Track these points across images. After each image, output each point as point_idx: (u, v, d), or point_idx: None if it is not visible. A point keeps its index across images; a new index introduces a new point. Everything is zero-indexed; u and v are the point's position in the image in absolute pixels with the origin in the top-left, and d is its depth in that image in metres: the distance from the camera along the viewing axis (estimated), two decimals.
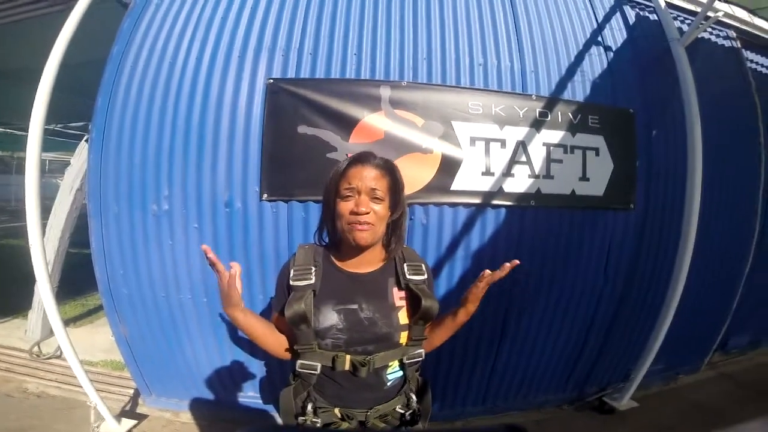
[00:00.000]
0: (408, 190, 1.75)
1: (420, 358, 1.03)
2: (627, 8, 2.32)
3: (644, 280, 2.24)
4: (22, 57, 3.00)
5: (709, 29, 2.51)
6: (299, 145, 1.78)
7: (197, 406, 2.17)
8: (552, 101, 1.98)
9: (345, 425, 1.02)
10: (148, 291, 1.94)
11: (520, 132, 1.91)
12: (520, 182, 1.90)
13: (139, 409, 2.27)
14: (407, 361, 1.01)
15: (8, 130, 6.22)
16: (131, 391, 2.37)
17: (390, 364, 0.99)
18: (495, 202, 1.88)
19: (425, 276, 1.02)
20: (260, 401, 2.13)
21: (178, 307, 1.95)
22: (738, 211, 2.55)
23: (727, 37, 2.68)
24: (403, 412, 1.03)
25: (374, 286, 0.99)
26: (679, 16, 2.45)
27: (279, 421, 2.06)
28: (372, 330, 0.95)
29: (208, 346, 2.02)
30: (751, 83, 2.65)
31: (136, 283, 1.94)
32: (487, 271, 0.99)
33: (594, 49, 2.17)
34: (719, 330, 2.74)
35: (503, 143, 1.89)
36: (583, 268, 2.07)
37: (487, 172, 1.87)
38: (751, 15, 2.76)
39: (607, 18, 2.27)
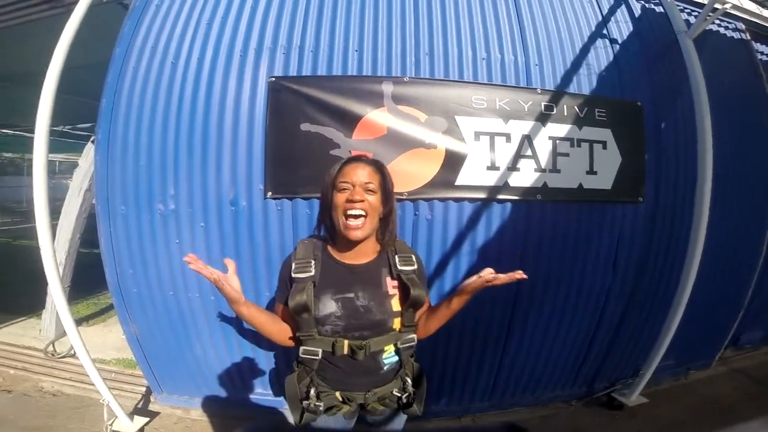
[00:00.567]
0: (412, 186, 1.80)
1: (413, 343, 1.11)
2: (632, 1, 2.28)
3: (654, 274, 2.21)
4: (27, 60, 3.04)
5: (717, 21, 2.46)
6: (302, 142, 1.78)
7: (208, 403, 2.19)
8: (557, 95, 1.95)
9: (346, 408, 1.10)
10: (156, 290, 1.97)
11: (526, 126, 1.89)
12: (525, 176, 1.88)
13: (151, 407, 2.30)
14: (401, 346, 1.09)
15: (17, 133, 6.33)
16: (143, 389, 2.40)
17: (385, 348, 1.08)
18: (500, 196, 1.87)
19: (415, 266, 1.10)
20: (269, 397, 2.14)
21: (186, 305, 1.97)
22: (750, 204, 2.50)
23: (735, 29, 2.63)
24: (399, 395, 1.12)
25: (369, 276, 1.07)
26: (685, 8, 2.41)
27: (289, 416, 2.10)
28: (367, 317, 1.03)
29: (216, 344, 2.04)
30: (761, 75, 2.60)
31: (144, 282, 1.96)
32: (490, 272, 1.03)
33: (599, 42, 2.14)
34: (731, 325, 2.70)
35: (508, 137, 1.87)
36: (592, 262, 2.05)
37: (492, 167, 1.85)
38: (760, 7, 2.70)
39: (612, 10, 2.23)
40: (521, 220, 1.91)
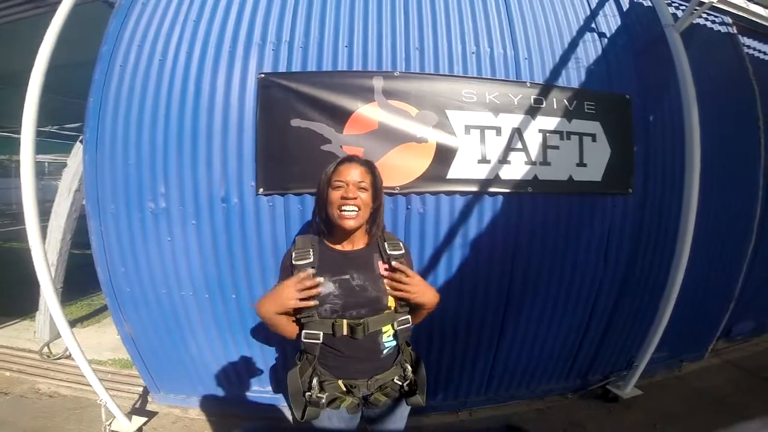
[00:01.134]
0: (404, 180, 1.81)
1: (408, 325, 1.18)
2: None
3: (645, 265, 2.23)
4: (11, 60, 3.00)
5: (705, 15, 2.49)
6: (293, 138, 1.78)
7: (205, 402, 2.19)
8: (547, 88, 1.96)
9: (348, 401, 1.14)
10: (149, 289, 1.96)
11: (516, 119, 1.90)
12: (516, 169, 1.89)
13: (149, 407, 2.30)
14: (398, 328, 1.16)
15: (4, 134, 6.22)
16: (140, 389, 2.40)
17: (384, 330, 1.14)
18: (492, 189, 1.88)
19: (403, 251, 1.21)
20: (266, 395, 2.15)
21: (180, 303, 1.97)
22: (739, 195, 2.53)
23: (722, 23, 2.65)
24: (400, 383, 1.18)
25: (362, 260, 1.17)
26: (673, 2, 2.42)
27: (286, 412, 2.11)
28: (363, 294, 1.11)
29: (211, 342, 2.04)
30: (748, 68, 2.62)
31: (137, 281, 1.95)
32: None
33: (588, 36, 2.15)
34: (723, 316, 2.73)
35: (498, 131, 1.88)
36: (583, 254, 2.07)
37: (483, 160, 1.86)
38: (747, 1, 2.73)
39: (601, 4, 2.25)
40: (512, 212, 1.92)
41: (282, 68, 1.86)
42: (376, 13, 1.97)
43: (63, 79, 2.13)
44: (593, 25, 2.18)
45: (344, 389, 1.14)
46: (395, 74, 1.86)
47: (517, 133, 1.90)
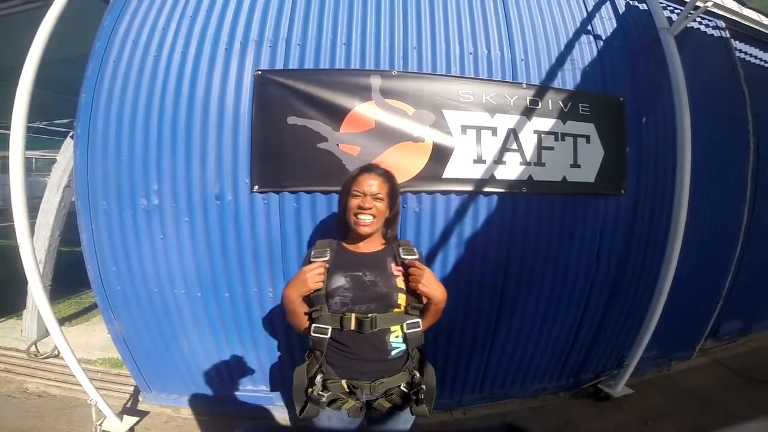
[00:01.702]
0: (400, 179, 1.79)
1: (418, 329, 1.18)
2: None
3: (636, 265, 2.26)
4: (4, 55, 2.94)
5: (699, 19, 2.53)
6: (289, 136, 1.77)
7: (197, 402, 2.17)
8: (542, 89, 1.98)
9: (350, 403, 1.14)
10: (141, 287, 1.93)
11: (511, 120, 1.91)
12: (511, 170, 1.90)
13: (140, 406, 2.27)
14: (408, 331, 1.16)
15: None
16: (131, 389, 2.37)
17: (392, 329, 1.15)
18: (487, 189, 1.89)
19: (416, 256, 1.25)
20: (259, 394, 2.14)
21: (172, 302, 1.95)
22: (728, 197, 2.58)
23: (716, 27, 2.69)
24: (407, 390, 1.17)
25: (375, 261, 1.22)
26: (668, 5, 2.46)
27: (281, 412, 2.10)
28: (374, 289, 1.15)
29: (204, 342, 2.02)
30: (739, 72, 2.67)
31: (129, 279, 1.93)
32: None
33: (584, 38, 2.17)
34: (711, 315, 2.78)
35: (494, 131, 1.89)
36: (576, 254, 2.09)
37: (479, 160, 1.87)
38: (740, 5, 2.78)
39: (597, 7, 2.27)
40: (507, 212, 1.94)
41: (279, 65, 1.84)
42: (375, 11, 1.97)
43: (53, 74, 2.08)
44: (589, 27, 2.20)
45: (347, 390, 1.14)
46: (393, 73, 1.86)
47: (513, 133, 1.91)
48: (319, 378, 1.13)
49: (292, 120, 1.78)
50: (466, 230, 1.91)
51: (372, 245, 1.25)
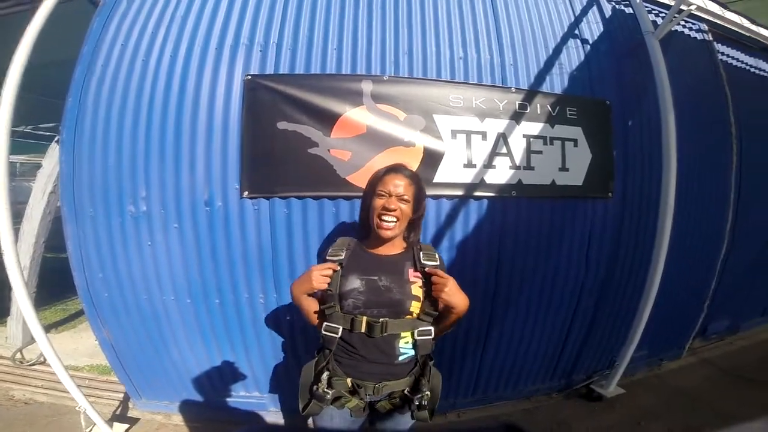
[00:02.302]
0: None
1: (429, 336, 1.17)
2: (603, 1, 2.36)
3: (625, 266, 2.29)
4: None
5: (683, 22, 2.58)
6: (279, 141, 1.76)
7: (189, 408, 2.14)
8: (531, 93, 2.00)
9: (354, 402, 1.15)
10: (129, 294, 1.90)
11: (501, 124, 1.93)
12: (501, 174, 1.92)
13: (131, 413, 2.24)
14: (418, 338, 1.15)
15: None
16: (120, 395, 2.34)
17: (402, 335, 1.15)
18: (477, 193, 1.90)
19: (437, 262, 1.22)
20: (252, 400, 2.12)
21: (161, 309, 1.92)
22: (712, 199, 2.63)
23: (699, 30, 2.75)
24: (410, 396, 1.16)
25: (393, 265, 1.20)
26: (653, 9, 2.50)
27: (274, 418, 2.09)
28: (387, 295, 1.14)
29: (194, 348, 1.99)
30: (722, 75, 2.73)
31: (116, 286, 1.90)
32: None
33: (572, 42, 2.20)
34: (698, 315, 2.83)
35: (484, 135, 1.91)
36: (566, 256, 2.11)
37: (469, 164, 1.88)
38: (722, 8, 2.84)
39: (585, 11, 2.30)
40: (497, 216, 1.95)
41: (269, 70, 1.83)
42: (366, 16, 1.97)
43: (40, 77, 2.04)
44: (577, 32, 2.23)
45: (351, 388, 1.15)
46: (384, 78, 1.86)
47: (502, 137, 1.93)
48: (325, 375, 1.14)
49: (282, 125, 1.77)
50: (457, 234, 1.92)
51: (392, 248, 1.23)
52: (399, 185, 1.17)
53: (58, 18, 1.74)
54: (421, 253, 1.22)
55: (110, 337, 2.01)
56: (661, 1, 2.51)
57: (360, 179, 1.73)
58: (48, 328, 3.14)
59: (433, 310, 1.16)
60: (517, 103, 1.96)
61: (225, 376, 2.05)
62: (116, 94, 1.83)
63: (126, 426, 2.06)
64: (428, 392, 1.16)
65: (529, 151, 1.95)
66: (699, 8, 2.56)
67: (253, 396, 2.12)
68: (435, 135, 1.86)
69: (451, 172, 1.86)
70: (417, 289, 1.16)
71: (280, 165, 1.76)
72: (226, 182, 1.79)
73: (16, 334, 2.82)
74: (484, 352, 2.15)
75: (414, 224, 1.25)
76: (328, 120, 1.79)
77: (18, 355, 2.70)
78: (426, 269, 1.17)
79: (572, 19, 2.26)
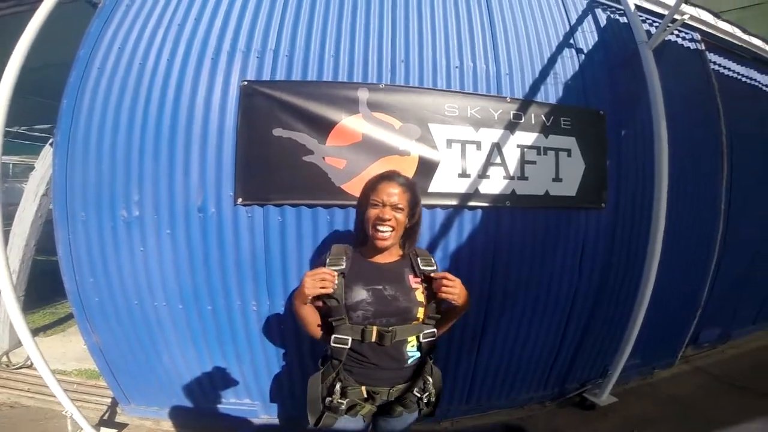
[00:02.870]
0: None
1: (433, 338, 1.20)
2: (598, 11, 2.39)
3: (618, 276, 2.31)
4: None
5: (676, 32, 2.60)
6: (275, 148, 1.76)
7: (179, 414, 2.12)
8: (525, 103, 2.01)
9: (367, 408, 1.17)
10: (120, 299, 1.88)
11: (495, 134, 1.94)
12: (495, 184, 1.92)
13: (119, 418, 2.21)
14: (423, 340, 1.18)
15: None
16: (108, 400, 2.30)
17: (409, 340, 1.17)
18: (471, 203, 1.90)
19: (435, 267, 1.25)
20: (243, 407, 2.09)
21: (153, 314, 1.90)
22: (704, 208, 2.65)
23: (692, 40, 2.77)
24: (419, 396, 1.20)
25: (394, 273, 1.22)
26: (648, 18, 2.52)
27: (266, 421, 2.07)
28: (395, 304, 1.16)
29: (185, 353, 1.97)
30: (714, 84, 2.75)
31: (107, 291, 1.88)
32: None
33: (566, 52, 2.22)
34: (690, 323, 2.84)
35: (479, 145, 1.92)
36: (559, 266, 2.12)
37: (464, 174, 1.89)
38: (715, 18, 2.88)
39: (580, 21, 2.32)
40: (491, 226, 1.96)
41: (266, 76, 1.84)
42: (364, 24, 1.98)
43: (35, 79, 2.03)
44: (572, 41, 2.25)
45: (366, 396, 1.16)
46: (380, 86, 1.87)
47: (497, 147, 1.94)
48: (338, 387, 1.14)
49: (277, 132, 1.77)
50: (451, 244, 1.92)
51: (390, 255, 1.25)
52: (393, 194, 1.17)
53: (57, 19, 1.73)
54: (418, 258, 1.24)
55: (99, 341, 1.98)
56: (655, 10, 2.54)
57: (355, 188, 1.72)
58: (37, 332, 3.11)
59: (436, 312, 1.20)
60: (512, 112, 1.97)
61: (216, 382, 2.03)
62: (112, 97, 1.82)
63: (114, 431, 2.04)
64: (434, 389, 1.21)
65: (523, 161, 1.96)
66: (692, 17, 2.59)
67: (245, 402, 2.10)
68: (430, 144, 1.87)
69: (446, 182, 1.87)
70: (420, 295, 1.18)
71: (274, 172, 1.76)
72: (220, 188, 1.78)
73: (2, 336, 2.78)
74: (477, 360, 2.15)
75: (409, 232, 1.25)
76: (323, 128, 1.79)
77: (4, 359, 2.67)
78: (432, 274, 1.19)
79: (567, 28, 2.28)
